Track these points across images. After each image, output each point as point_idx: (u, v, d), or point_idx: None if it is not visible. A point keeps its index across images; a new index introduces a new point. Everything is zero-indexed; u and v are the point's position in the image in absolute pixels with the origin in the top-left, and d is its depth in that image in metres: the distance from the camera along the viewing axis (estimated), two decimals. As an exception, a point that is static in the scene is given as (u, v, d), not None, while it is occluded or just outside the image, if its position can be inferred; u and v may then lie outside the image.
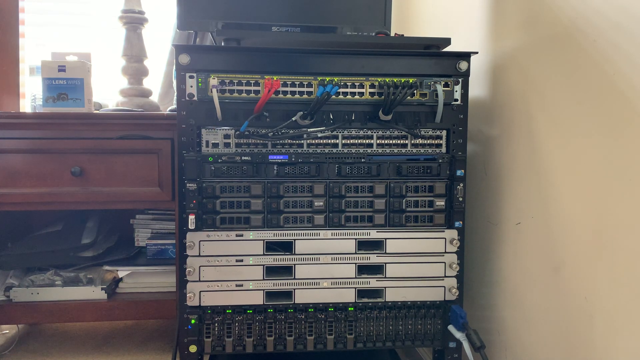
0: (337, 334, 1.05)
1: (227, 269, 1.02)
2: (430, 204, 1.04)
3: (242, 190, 1.01)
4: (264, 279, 1.02)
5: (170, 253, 1.50)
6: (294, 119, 0.99)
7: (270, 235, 1.02)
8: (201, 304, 1.02)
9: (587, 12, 0.79)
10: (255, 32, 1.18)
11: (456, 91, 1.03)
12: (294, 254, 1.03)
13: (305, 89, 1.01)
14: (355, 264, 1.04)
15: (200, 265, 1.01)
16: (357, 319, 1.05)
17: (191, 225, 0.99)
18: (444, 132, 1.05)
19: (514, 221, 1.00)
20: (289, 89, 1.01)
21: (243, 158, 1.01)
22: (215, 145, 1.01)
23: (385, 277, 1.04)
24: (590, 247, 0.78)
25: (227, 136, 1.02)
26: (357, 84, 1.01)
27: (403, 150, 1.05)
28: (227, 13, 1.22)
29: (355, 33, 1.27)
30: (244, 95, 1.00)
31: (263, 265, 1.02)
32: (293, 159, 1.01)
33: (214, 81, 0.98)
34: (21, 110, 1.75)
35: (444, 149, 1.06)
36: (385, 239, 1.04)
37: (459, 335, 1.00)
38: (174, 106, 1.45)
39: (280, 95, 1.00)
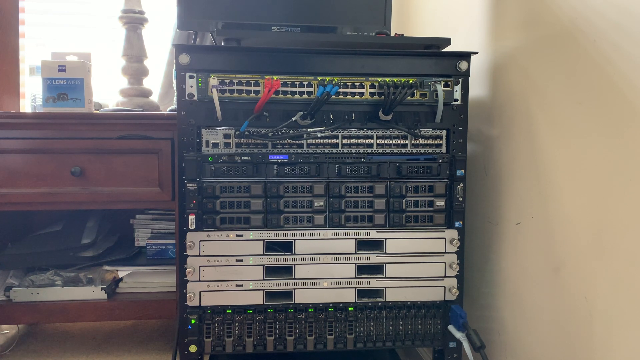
0: (337, 334, 1.05)
1: (227, 269, 1.02)
2: (430, 204, 1.04)
3: (242, 190, 1.01)
4: (264, 279, 1.02)
5: (170, 253, 1.50)
6: (294, 119, 0.99)
7: (270, 235, 1.02)
8: (201, 304, 1.02)
9: (587, 12, 0.79)
10: (255, 32, 1.17)
11: (456, 91, 1.03)
12: (294, 254, 1.03)
13: (305, 89, 1.01)
14: (355, 264, 1.04)
15: (200, 265, 1.01)
16: (357, 319, 1.05)
17: (191, 225, 0.99)
18: (444, 132, 1.05)
19: (514, 221, 1.00)
20: (289, 89, 1.01)
21: (243, 158, 1.01)
22: (215, 145, 1.01)
23: (385, 277, 1.04)
24: (590, 247, 0.78)
25: (227, 136, 1.02)
26: (357, 84, 1.01)
27: (403, 150, 1.05)
28: (227, 13, 1.22)
29: (355, 33, 1.27)
30: (244, 95, 1.00)
31: (263, 265, 1.02)
32: (293, 159, 1.01)
33: (214, 81, 0.98)
34: (21, 110, 1.76)
35: (444, 149, 1.06)
36: (385, 239, 1.04)
37: (459, 335, 1.00)
38: (174, 106, 1.45)
39: (280, 95, 1.00)
